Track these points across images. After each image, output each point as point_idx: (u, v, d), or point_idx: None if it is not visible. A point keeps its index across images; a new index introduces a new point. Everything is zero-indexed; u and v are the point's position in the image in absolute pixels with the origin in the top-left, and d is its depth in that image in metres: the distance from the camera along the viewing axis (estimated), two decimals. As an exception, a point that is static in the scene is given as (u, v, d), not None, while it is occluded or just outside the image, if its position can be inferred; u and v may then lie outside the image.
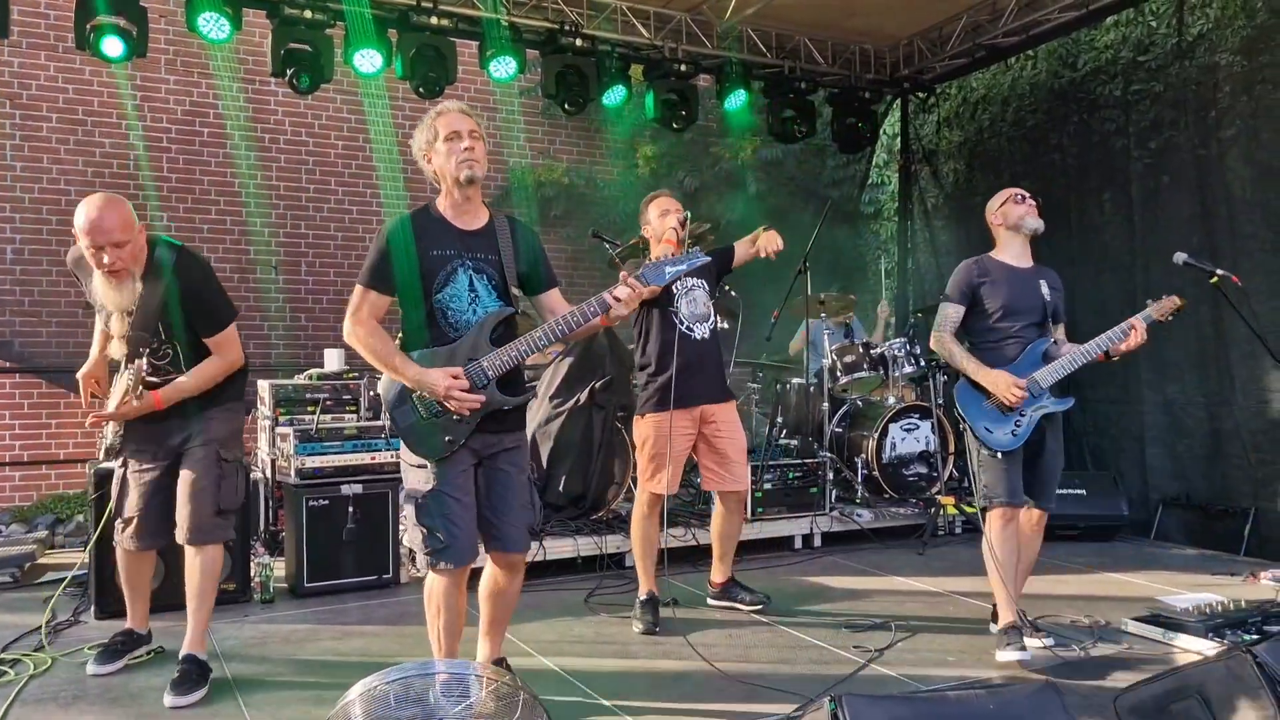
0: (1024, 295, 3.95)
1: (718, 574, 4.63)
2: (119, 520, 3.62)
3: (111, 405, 3.48)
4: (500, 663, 3.35)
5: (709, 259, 3.91)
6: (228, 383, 3.61)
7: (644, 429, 4.30)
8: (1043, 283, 4.01)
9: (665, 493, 4.18)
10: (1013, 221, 4.01)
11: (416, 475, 2.99)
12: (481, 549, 3.14)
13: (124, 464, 3.61)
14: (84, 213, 3.23)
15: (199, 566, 3.52)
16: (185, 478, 3.52)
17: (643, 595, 4.33)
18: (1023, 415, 3.81)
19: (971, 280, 3.99)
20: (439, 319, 2.98)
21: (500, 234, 3.09)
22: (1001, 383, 3.78)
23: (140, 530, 3.59)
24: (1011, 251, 4.04)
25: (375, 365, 2.97)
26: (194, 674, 3.43)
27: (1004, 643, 3.71)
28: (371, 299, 2.98)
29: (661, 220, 4.31)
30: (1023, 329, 3.93)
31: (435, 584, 3.04)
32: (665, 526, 4.46)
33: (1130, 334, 3.88)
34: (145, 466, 3.58)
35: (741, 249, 4.45)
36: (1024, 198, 4.02)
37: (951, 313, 3.99)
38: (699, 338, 4.29)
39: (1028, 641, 3.76)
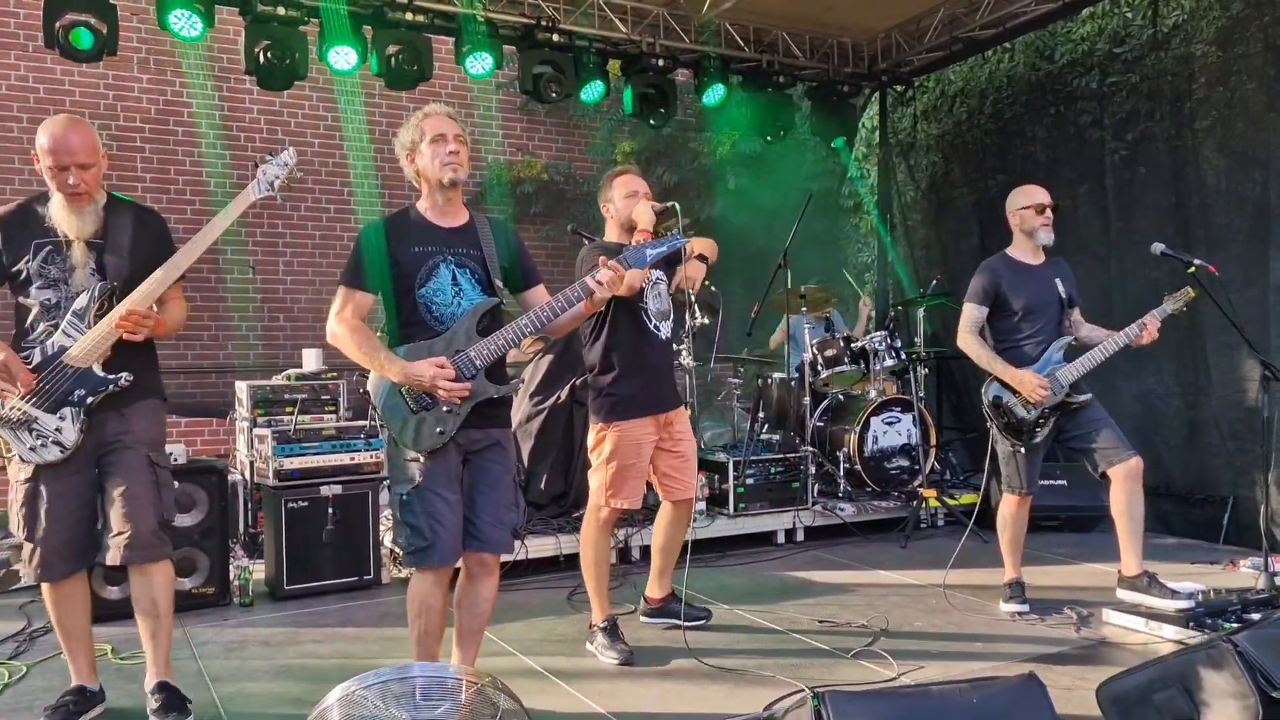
0: (1041, 294, 4.26)
1: (656, 589, 4.19)
2: (27, 545, 3.04)
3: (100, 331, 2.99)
4: None
5: (687, 240, 3.54)
6: (151, 373, 3.20)
7: (608, 439, 3.82)
8: (1057, 280, 4.31)
9: (633, 507, 3.90)
10: (1027, 229, 4.29)
11: (404, 470, 2.95)
12: None
13: (33, 474, 3.02)
14: (48, 131, 2.98)
15: (154, 586, 3.08)
16: (115, 487, 3.03)
17: (601, 622, 3.86)
18: None
19: (993, 282, 4.26)
20: (424, 314, 2.98)
21: (481, 230, 3.11)
22: (1028, 381, 4.10)
23: (56, 555, 3.04)
24: (1027, 249, 4.33)
25: (361, 363, 2.95)
26: (176, 701, 3.11)
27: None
28: (355, 299, 2.99)
29: (629, 202, 3.82)
30: (1042, 328, 4.25)
31: (417, 584, 3.02)
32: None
33: (1143, 331, 4.18)
34: (62, 473, 3.02)
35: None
36: (1044, 209, 4.25)
37: (975, 314, 4.27)
38: (665, 337, 3.89)
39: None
